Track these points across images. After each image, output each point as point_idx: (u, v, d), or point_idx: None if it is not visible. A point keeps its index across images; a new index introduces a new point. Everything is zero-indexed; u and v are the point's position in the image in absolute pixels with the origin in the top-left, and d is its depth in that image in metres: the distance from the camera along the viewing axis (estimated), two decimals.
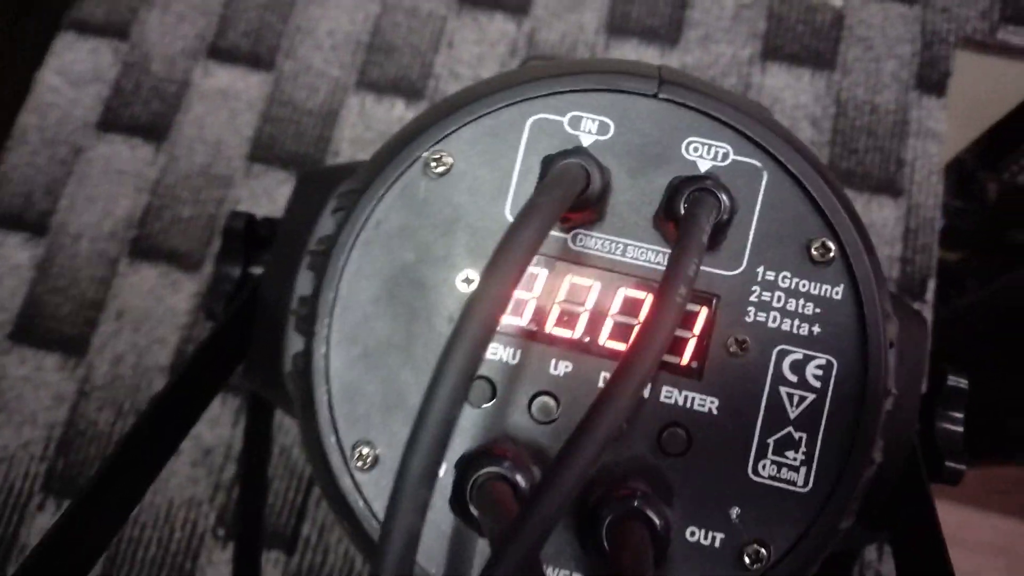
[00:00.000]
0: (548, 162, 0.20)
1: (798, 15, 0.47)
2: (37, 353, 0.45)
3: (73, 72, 0.51)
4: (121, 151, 0.49)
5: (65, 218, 0.48)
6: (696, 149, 0.21)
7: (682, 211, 0.20)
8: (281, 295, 0.25)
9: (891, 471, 0.22)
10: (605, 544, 0.18)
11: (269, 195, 0.48)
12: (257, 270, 0.29)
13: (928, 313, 0.40)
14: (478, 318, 0.15)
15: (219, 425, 0.44)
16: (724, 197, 0.20)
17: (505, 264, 0.16)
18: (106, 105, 0.50)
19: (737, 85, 0.46)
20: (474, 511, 0.19)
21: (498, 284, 0.16)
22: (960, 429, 0.25)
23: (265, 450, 0.39)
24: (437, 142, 0.21)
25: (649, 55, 0.47)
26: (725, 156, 0.21)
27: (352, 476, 0.20)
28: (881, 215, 0.43)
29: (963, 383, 0.25)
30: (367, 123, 0.49)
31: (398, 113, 0.49)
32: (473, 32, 0.49)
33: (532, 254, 0.17)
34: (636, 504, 0.18)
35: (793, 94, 0.45)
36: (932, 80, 0.45)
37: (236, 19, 0.51)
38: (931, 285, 0.41)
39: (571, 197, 0.19)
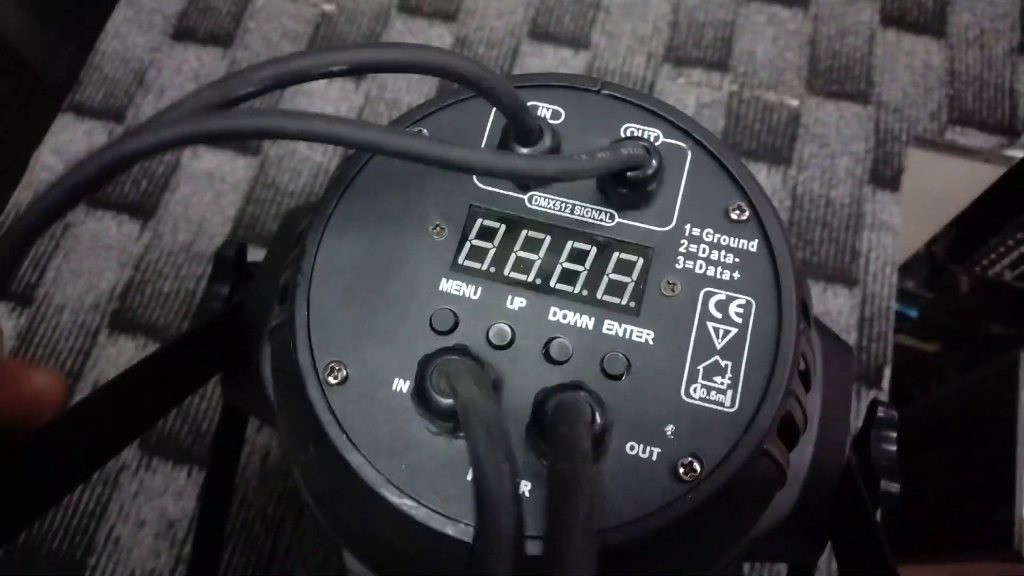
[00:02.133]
0: (506, 130, 0.24)
1: (755, 114, 0.49)
2: None
3: (68, 152, 0.53)
4: (109, 227, 0.51)
5: (50, 290, 0.50)
6: (632, 133, 0.25)
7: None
8: (263, 309, 0.27)
9: (827, 485, 0.25)
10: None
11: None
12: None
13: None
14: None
15: (183, 498, 0.45)
16: (655, 160, 0.24)
17: None
18: None
19: None
20: (437, 394, 0.21)
21: None
22: (894, 448, 0.28)
23: (224, 515, 0.40)
24: (416, 121, 0.26)
25: None
26: (656, 138, 0.25)
27: (323, 389, 0.22)
28: (836, 303, 0.44)
29: (893, 413, 0.28)
30: None
31: None
32: None
33: None
34: (581, 393, 0.21)
35: None
36: (886, 176, 0.47)
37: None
38: (887, 373, 0.42)
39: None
